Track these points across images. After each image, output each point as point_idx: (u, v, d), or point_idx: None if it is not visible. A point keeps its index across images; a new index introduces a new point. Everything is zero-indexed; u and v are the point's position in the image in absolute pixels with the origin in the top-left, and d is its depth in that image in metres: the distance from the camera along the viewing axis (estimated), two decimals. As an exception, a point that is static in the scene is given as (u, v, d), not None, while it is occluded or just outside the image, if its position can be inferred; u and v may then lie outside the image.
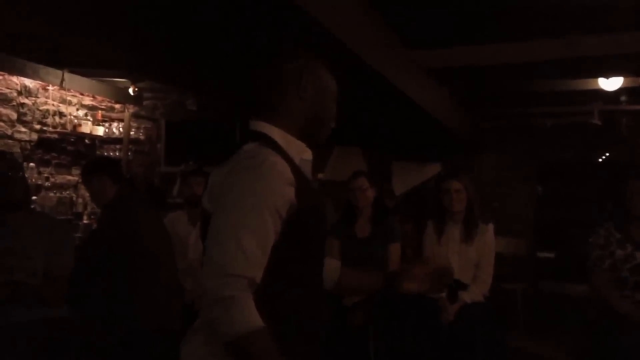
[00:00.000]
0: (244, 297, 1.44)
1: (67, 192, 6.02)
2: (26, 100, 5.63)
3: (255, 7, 2.90)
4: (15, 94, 5.52)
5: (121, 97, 6.57)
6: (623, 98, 5.81)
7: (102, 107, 6.53)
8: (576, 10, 3.38)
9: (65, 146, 6.10)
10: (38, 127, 5.75)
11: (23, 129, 5.60)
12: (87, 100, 6.35)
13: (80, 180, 6.08)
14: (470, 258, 4.06)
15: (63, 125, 5.97)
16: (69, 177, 6.13)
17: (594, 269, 3.89)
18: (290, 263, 1.58)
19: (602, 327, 3.86)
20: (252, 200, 1.50)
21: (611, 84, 4.92)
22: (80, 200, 6.13)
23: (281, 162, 1.57)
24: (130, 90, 6.46)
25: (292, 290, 1.60)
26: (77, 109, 6.19)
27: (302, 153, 1.70)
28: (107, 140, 6.51)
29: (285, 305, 1.58)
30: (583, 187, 7.41)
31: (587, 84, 5.11)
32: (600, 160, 7.28)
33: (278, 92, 1.71)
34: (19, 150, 5.48)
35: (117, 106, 6.68)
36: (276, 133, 1.68)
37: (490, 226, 4.16)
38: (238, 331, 1.42)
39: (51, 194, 5.81)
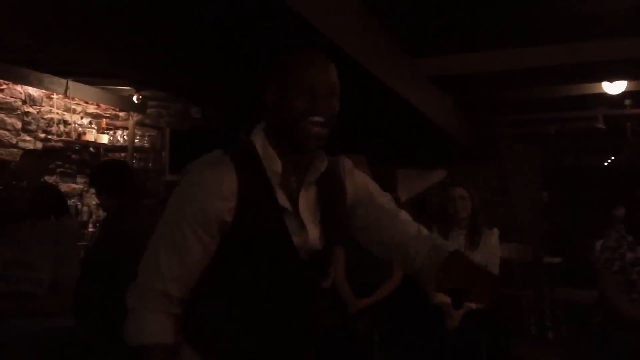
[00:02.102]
0: (147, 310, 1.48)
1: (72, 200, 6.03)
2: (31, 109, 5.65)
3: (257, 17, 2.91)
4: (19, 103, 5.54)
5: (125, 105, 6.58)
6: (627, 102, 5.79)
7: (107, 115, 6.54)
8: (579, 16, 3.38)
9: (70, 154, 6.12)
10: (43, 135, 5.77)
11: (28, 138, 5.62)
12: (92, 109, 6.37)
13: (85, 189, 6.11)
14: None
15: (67, 134, 5.99)
16: (74, 186, 6.14)
17: (603, 271, 3.87)
18: (226, 279, 1.54)
19: (607, 331, 3.84)
20: (173, 215, 1.50)
21: (615, 88, 4.91)
22: (85, 208, 6.13)
23: (217, 175, 1.47)
24: (135, 99, 6.48)
25: (226, 306, 1.55)
26: (82, 118, 6.21)
27: (272, 164, 1.53)
28: (112, 148, 6.53)
29: (216, 318, 1.55)
30: (589, 192, 7.39)
31: (591, 88, 5.10)
32: (605, 164, 7.26)
33: (261, 97, 1.60)
34: (24, 159, 5.48)
35: (122, 114, 6.69)
36: (259, 141, 1.56)
37: (495, 231, 4.15)
38: (131, 342, 1.48)
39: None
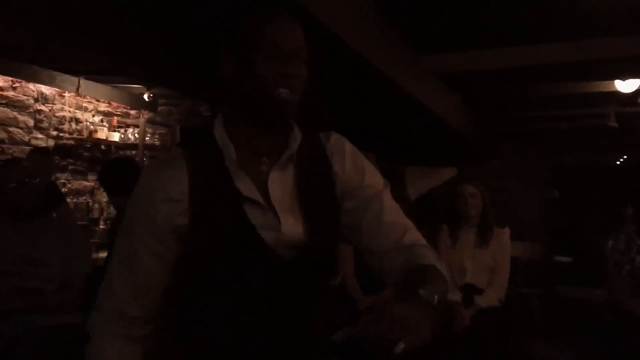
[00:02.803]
0: (105, 337, 1.31)
1: (84, 197, 6.07)
2: (43, 107, 5.69)
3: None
4: (32, 101, 5.58)
5: (136, 103, 6.61)
6: (640, 100, 5.75)
7: (118, 113, 6.58)
8: (591, 13, 3.36)
9: (82, 152, 6.16)
10: (54, 133, 5.81)
11: (40, 136, 5.66)
12: (103, 107, 6.41)
13: (96, 186, 6.15)
14: (486, 262, 4.05)
15: (79, 132, 6.02)
16: (85, 183, 6.18)
17: (613, 275, 3.85)
18: (204, 283, 1.33)
19: (618, 332, 3.82)
20: (124, 227, 1.34)
21: (627, 86, 4.87)
22: (96, 205, 6.17)
23: (162, 175, 1.30)
24: (145, 97, 6.50)
25: (213, 311, 1.34)
26: (93, 115, 6.25)
27: (226, 150, 1.31)
28: (123, 146, 6.56)
29: (204, 322, 1.35)
30: (599, 190, 7.35)
31: (603, 86, 5.06)
32: (617, 163, 7.21)
33: (218, 73, 1.37)
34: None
35: (133, 112, 6.72)
36: (217, 127, 1.35)
37: (507, 230, 4.15)
38: None
39: (67, 200, 5.85)
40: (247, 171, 1.31)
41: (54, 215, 4.00)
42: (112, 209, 5.94)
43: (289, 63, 1.28)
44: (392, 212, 1.45)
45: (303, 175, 1.37)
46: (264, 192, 1.32)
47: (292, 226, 1.32)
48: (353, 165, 1.44)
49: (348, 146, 1.47)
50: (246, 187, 1.30)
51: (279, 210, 1.31)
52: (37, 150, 5.27)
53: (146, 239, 1.29)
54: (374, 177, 1.47)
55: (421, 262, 1.32)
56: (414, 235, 1.43)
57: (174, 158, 1.32)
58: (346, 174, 1.43)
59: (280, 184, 1.34)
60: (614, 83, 4.92)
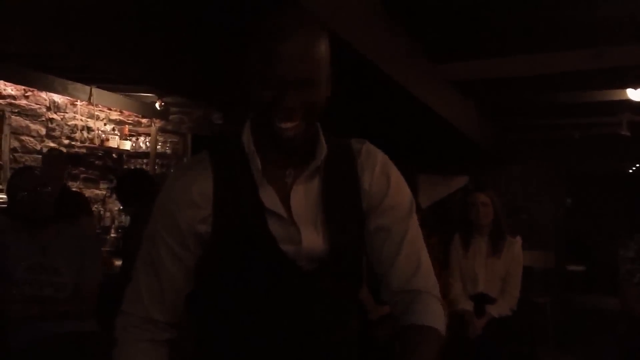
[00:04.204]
0: (130, 342, 1.32)
1: (95, 206, 6.09)
2: (55, 116, 5.72)
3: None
4: (44, 110, 5.61)
5: (148, 111, 6.63)
6: (652, 108, 5.72)
7: (129, 121, 6.60)
8: (603, 22, 3.35)
9: (93, 160, 6.18)
10: (66, 142, 5.84)
11: (52, 144, 5.68)
12: (115, 115, 6.44)
13: (108, 195, 6.17)
14: (498, 271, 4.03)
15: (91, 140, 6.05)
16: (97, 191, 6.21)
17: (624, 283, 3.83)
18: (225, 292, 1.31)
19: (632, 341, 3.79)
20: (150, 230, 1.33)
21: (639, 94, 4.85)
22: (108, 214, 6.19)
23: (187, 180, 1.29)
24: (157, 105, 6.52)
25: (231, 320, 1.31)
26: (105, 124, 6.28)
27: (253, 161, 1.29)
28: (134, 154, 6.59)
29: (222, 331, 1.33)
30: (612, 199, 7.31)
31: (615, 94, 5.04)
32: (630, 171, 7.17)
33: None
34: (48, 165, 5.55)
35: (144, 121, 6.74)
36: (245, 134, 1.33)
37: (518, 239, 4.13)
38: None
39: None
40: (272, 181, 1.29)
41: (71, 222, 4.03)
42: (123, 217, 5.98)
43: (293, 93, 1.17)
44: (412, 244, 1.37)
45: (329, 188, 1.32)
46: (287, 204, 1.28)
47: (313, 240, 1.28)
48: (382, 184, 1.36)
49: (380, 161, 1.39)
50: (269, 198, 1.27)
51: (301, 224, 1.28)
52: (51, 150, 5.28)
53: (170, 244, 1.28)
54: (402, 198, 1.39)
55: (418, 323, 1.28)
56: (424, 277, 1.36)
57: (200, 162, 1.31)
58: (374, 192, 1.36)
59: (305, 196, 1.31)
60: (626, 91, 4.90)
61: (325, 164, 1.31)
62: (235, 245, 1.26)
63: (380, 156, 1.40)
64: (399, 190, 1.39)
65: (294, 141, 1.22)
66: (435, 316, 1.30)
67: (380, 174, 1.37)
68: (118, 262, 4.82)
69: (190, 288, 1.34)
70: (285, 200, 1.29)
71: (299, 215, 1.29)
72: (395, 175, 1.39)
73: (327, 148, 1.31)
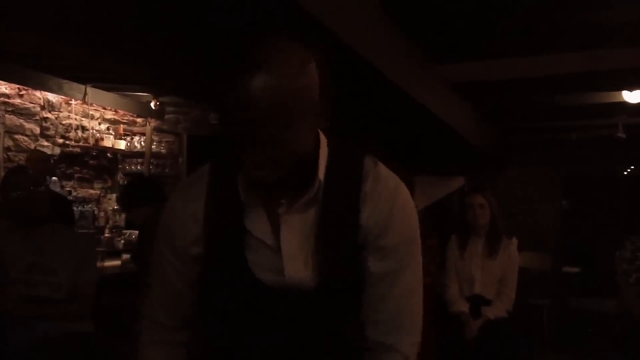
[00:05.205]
0: (145, 344, 1.40)
1: (89, 205, 6.05)
2: (49, 115, 5.68)
3: (275, 22, 2.90)
4: (38, 109, 5.57)
5: (143, 111, 6.59)
6: (648, 111, 5.73)
7: (124, 121, 6.56)
8: (600, 25, 3.35)
9: (88, 160, 6.14)
10: (61, 141, 5.80)
11: (46, 143, 5.64)
12: (109, 115, 6.40)
13: (102, 194, 6.15)
14: (494, 273, 4.02)
15: (85, 139, 6.00)
16: (91, 191, 6.17)
17: (621, 283, 3.84)
18: (217, 307, 1.33)
19: (628, 341, 3.80)
20: (156, 245, 1.37)
21: (635, 96, 4.87)
22: (102, 214, 6.15)
23: (183, 198, 1.31)
24: (152, 105, 6.49)
25: (222, 333, 1.33)
26: (100, 123, 6.24)
27: (241, 184, 1.26)
28: (129, 154, 6.54)
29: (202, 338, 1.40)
30: (609, 201, 7.32)
31: (611, 97, 5.06)
32: (625, 173, 7.19)
33: None
34: (42, 165, 5.51)
35: (139, 120, 6.70)
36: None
37: (514, 240, 4.13)
38: None
39: (73, 208, 5.83)
40: (267, 208, 1.24)
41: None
42: (117, 217, 5.96)
43: (258, 149, 1.11)
44: (401, 299, 1.27)
45: (325, 217, 1.23)
46: (277, 233, 1.23)
47: (298, 270, 1.22)
48: (382, 220, 1.24)
49: (387, 193, 1.26)
50: (258, 226, 1.23)
51: (286, 254, 1.22)
52: (35, 152, 5.25)
53: (170, 259, 1.33)
54: (401, 239, 1.26)
55: None
56: (403, 334, 1.28)
57: (200, 178, 1.31)
58: (370, 226, 1.23)
59: (299, 225, 1.23)
60: (621, 94, 4.92)
61: (326, 187, 1.22)
62: (217, 269, 1.28)
63: (391, 185, 1.28)
64: (401, 232, 1.27)
65: (270, 183, 1.18)
66: None
67: (383, 209, 1.24)
68: (111, 263, 4.82)
69: (195, 296, 1.37)
70: (276, 229, 1.23)
71: (289, 245, 1.22)
72: (401, 212, 1.27)
73: (333, 167, 1.23)
